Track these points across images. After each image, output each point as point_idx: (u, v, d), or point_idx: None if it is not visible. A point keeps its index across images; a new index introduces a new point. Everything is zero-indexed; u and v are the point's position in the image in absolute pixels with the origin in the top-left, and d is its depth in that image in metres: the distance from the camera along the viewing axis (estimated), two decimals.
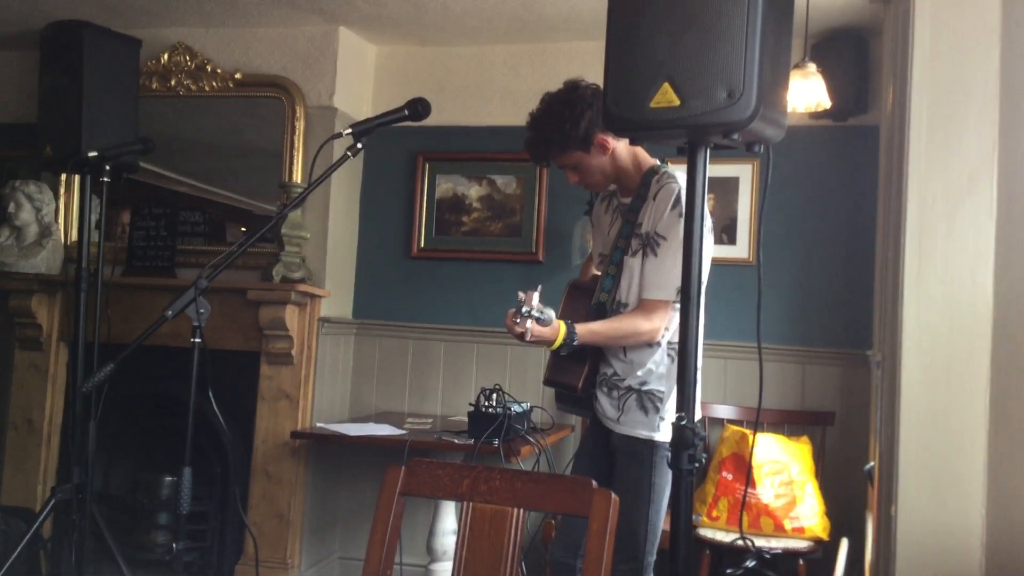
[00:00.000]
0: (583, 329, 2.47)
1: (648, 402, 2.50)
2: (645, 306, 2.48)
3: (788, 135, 1.79)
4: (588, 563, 1.56)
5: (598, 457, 2.64)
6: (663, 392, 2.49)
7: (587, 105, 2.50)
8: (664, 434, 2.48)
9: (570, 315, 2.57)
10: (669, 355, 2.52)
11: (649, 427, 2.49)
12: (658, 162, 2.61)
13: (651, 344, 2.52)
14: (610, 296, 2.57)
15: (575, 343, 2.45)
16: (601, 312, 2.56)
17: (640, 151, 2.62)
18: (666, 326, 2.50)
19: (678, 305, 2.48)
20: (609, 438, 2.58)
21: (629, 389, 2.53)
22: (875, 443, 3.06)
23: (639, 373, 2.52)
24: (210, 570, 4.21)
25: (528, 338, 2.35)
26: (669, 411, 2.48)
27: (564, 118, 2.49)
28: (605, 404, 2.57)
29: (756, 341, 1.88)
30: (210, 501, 4.22)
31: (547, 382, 2.70)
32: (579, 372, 2.59)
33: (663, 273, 2.44)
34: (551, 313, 2.37)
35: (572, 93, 2.53)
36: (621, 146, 2.58)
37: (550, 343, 2.44)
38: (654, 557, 2.53)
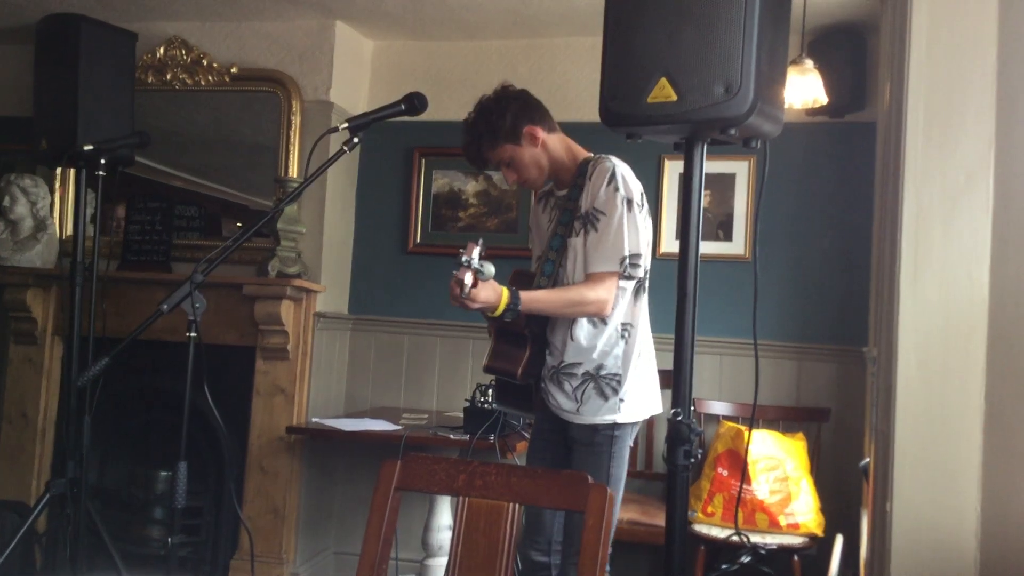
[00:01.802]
0: (527, 296, 2.46)
1: (607, 386, 2.52)
2: (591, 278, 2.50)
3: (784, 131, 1.79)
4: (584, 559, 1.56)
5: (555, 450, 2.64)
6: (620, 375, 2.52)
7: (512, 99, 2.61)
8: (626, 415, 2.52)
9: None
10: (623, 337, 2.54)
11: (611, 410, 2.52)
12: (592, 154, 2.64)
13: (596, 324, 2.53)
14: (550, 280, 2.59)
15: (519, 308, 2.43)
16: None
17: (574, 144, 2.68)
18: (614, 304, 2.51)
19: (624, 283, 2.52)
20: (565, 429, 2.60)
21: (586, 377, 2.53)
22: (870, 439, 3.07)
23: (594, 356, 2.53)
24: (205, 565, 4.21)
25: (467, 295, 2.32)
26: (628, 392, 2.52)
27: (491, 111, 2.58)
28: (559, 397, 2.57)
29: (752, 337, 1.89)
30: (205, 496, 4.22)
31: (486, 368, 2.68)
32: (519, 358, 2.59)
33: (605, 245, 2.48)
34: (492, 269, 2.35)
35: (498, 92, 2.64)
36: (553, 139, 2.63)
37: (492, 309, 2.41)
38: (610, 550, 2.54)
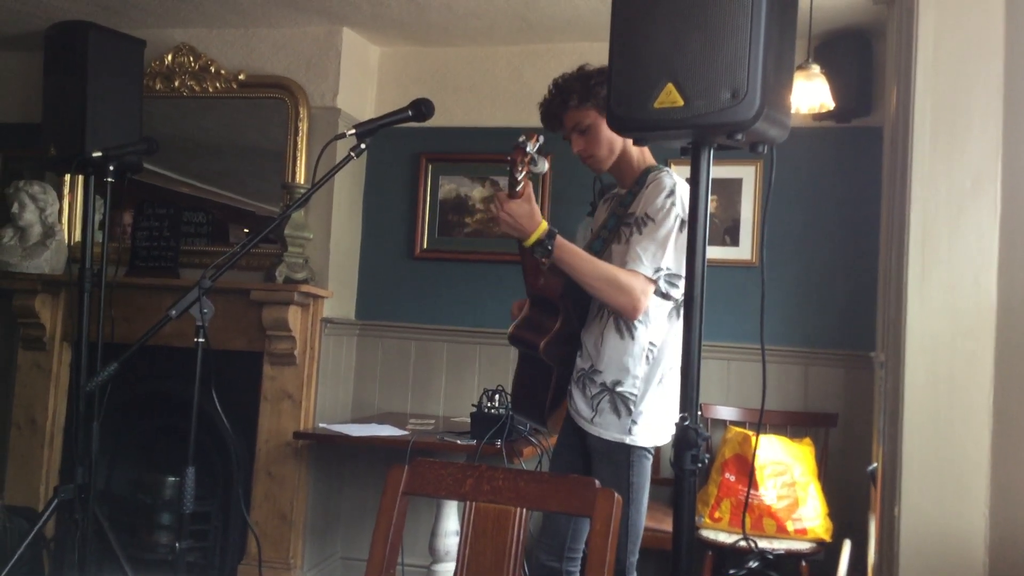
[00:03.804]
0: (567, 243, 2.39)
1: (621, 404, 2.46)
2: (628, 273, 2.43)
3: (791, 136, 1.79)
4: (591, 564, 1.56)
5: (574, 457, 2.60)
6: (636, 396, 2.45)
7: None
8: (637, 438, 2.45)
9: (546, 286, 2.50)
10: (647, 356, 2.47)
11: (621, 430, 2.45)
12: (658, 164, 2.60)
13: (624, 336, 2.46)
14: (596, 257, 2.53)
15: (551, 248, 2.36)
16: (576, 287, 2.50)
17: (647, 150, 2.62)
18: (644, 319, 2.45)
19: (657, 300, 2.45)
20: (584, 438, 2.55)
21: (604, 388, 2.48)
22: (878, 445, 3.06)
23: (614, 369, 2.47)
24: (213, 570, 4.21)
25: (516, 192, 2.24)
26: (643, 415, 2.45)
27: (592, 75, 2.55)
28: (579, 402, 2.52)
29: (759, 342, 1.88)
30: (213, 501, 4.23)
31: (511, 336, 2.60)
32: (548, 329, 2.49)
33: (642, 248, 2.41)
34: (544, 165, 2.28)
35: (604, 68, 2.54)
36: None
37: (525, 233, 2.35)
38: (636, 557, 2.51)
